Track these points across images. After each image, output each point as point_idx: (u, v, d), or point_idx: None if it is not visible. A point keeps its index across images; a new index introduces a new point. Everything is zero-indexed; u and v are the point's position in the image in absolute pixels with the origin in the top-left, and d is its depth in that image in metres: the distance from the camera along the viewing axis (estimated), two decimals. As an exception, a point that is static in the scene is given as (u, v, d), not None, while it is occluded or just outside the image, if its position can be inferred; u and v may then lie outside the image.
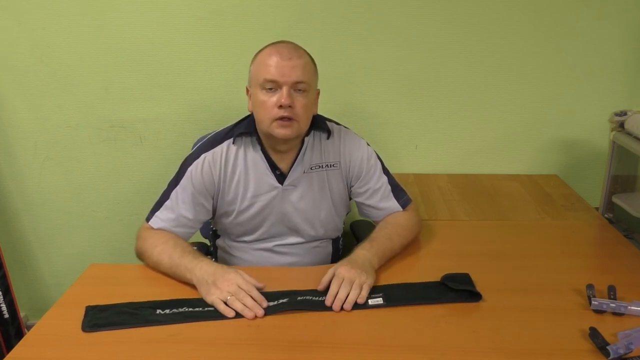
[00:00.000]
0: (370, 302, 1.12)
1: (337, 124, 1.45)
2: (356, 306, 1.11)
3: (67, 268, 2.15)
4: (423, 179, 1.93)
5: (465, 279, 1.19)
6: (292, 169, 1.36)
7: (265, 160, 1.35)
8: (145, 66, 1.88)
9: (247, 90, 1.35)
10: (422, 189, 1.84)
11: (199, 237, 1.68)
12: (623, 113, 1.61)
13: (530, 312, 1.10)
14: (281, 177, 1.36)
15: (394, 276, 1.23)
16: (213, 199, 1.38)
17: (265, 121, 1.26)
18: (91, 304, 1.11)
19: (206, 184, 1.34)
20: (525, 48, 1.85)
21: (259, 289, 1.14)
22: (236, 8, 1.81)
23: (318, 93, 1.36)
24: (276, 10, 1.81)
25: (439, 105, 1.93)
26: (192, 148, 1.46)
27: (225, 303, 1.09)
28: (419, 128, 1.96)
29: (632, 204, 1.57)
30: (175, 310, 1.09)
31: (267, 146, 1.35)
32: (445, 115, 1.94)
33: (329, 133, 1.38)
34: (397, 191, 1.43)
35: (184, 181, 1.33)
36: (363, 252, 1.24)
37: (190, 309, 1.10)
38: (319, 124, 1.37)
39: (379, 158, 1.44)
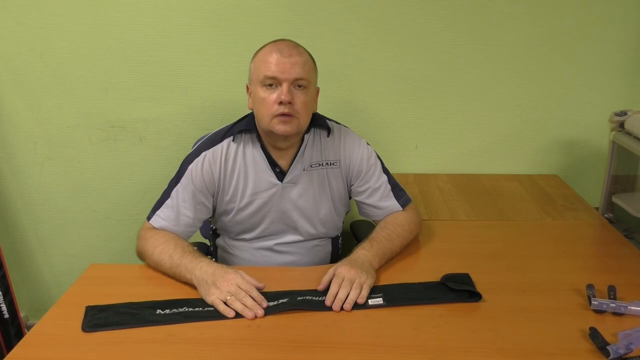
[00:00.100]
0: (370, 302, 1.12)
1: (337, 123, 1.45)
2: (356, 306, 1.11)
3: (67, 268, 2.15)
4: (423, 179, 1.93)
5: (465, 279, 1.19)
6: (291, 166, 1.36)
7: (264, 158, 1.35)
8: (145, 66, 1.88)
9: (247, 88, 1.35)
10: (422, 189, 1.84)
11: (199, 237, 1.69)
12: (623, 113, 1.61)
13: (530, 312, 1.10)
14: (281, 174, 1.37)
15: (394, 276, 1.23)
16: (213, 197, 1.38)
17: (265, 118, 1.27)
18: (91, 304, 1.11)
19: (206, 182, 1.35)
20: (525, 48, 1.86)
21: (259, 289, 1.14)
22: (236, 8, 1.81)
23: (318, 91, 1.37)
24: (276, 10, 1.81)
25: (439, 105, 1.93)
26: (192, 148, 1.46)
27: (225, 303, 1.09)
28: (419, 128, 1.96)
29: (632, 204, 1.57)
30: (175, 310, 1.09)
31: (267, 143, 1.35)
32: (445, 115, 1.94)
33: (328, 131, 1.39)
34: (397, 190, 1.43)
35: (184, 180, 1.34)
36: (363, 252, 1.24)
37: (190, 309, 1.10)
38: (318, 121, 1.38)
39: (378, 157, 1.44)
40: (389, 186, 1.42)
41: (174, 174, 1.37)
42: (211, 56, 1.87)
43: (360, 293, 1.12)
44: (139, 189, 2.03)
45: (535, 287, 1.19)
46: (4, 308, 1.88)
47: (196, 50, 1.86)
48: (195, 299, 1.13)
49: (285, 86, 1.23)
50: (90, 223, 2.09)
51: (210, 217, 1.47)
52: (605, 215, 1.68)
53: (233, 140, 1.35)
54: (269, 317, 1.08)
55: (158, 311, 1.09)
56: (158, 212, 1.34)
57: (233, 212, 1.39)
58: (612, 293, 1.13)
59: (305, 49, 1.30)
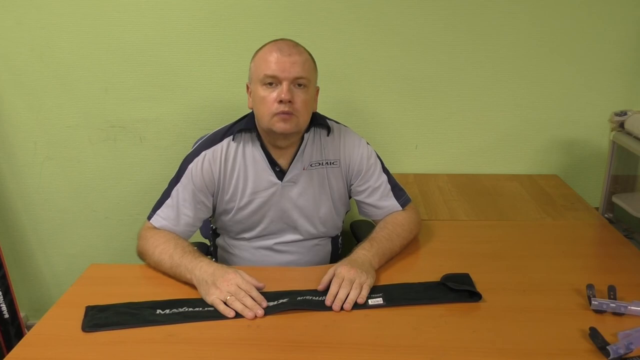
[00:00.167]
0: (370, 302, 1.12)
1: (337, 122, 1.45)
2: (356, 306, 1.11)
3: (67, 268, 2.15)
4: (423, 179, 1.93)
5: (465, 279, 1.19)
6: (291, 165, 1.36)
7: (264, 157, 1.36)
8: (145, 66, 1.88)
9: (247, 88, 1.35)
10: (422, 189, 1.84)
11: (199, 237, 1.69)
12: (623, 113, 1.61)
13: (530, 312, 1.10)
14: (280, 173, 1.37)
15: (394, 276, 1.23)
16: (213, 196, 1.38)
17: (265, 116, 1.27)
18: (91, 304, 1.11)
19: (206, 182, 1.35)
20: (525, 48, 1.85)
21: (259, 289, 1.14)
22: (236, 8, 1.81)
23: (318, 90, 1.37)
24: (276, 10, 1.81)
25: (439, 105, 1.93)
26: (192, 148, 1.46)
27: (225, 303, 1.09)
28: (419, 128, 1.96)
29: (632, 204, 1.57)
30: (175, 310, 1.09)
31: (266, 142, 1.35)
32: (445, 115, 1.94)
33: (328, 130, 1.39)
34: (397, 190, 1.43)
35: (184, 179, 1.34)
36: (363, 252, 1.24)
37: (190, 309, 1.10)
38: (318, 120, 1.38)
39: (378, 157, 1.45)
40: (388, 186, 1.42)
41: (174, 174, 1.37)
42: (211, 56, 1.87)
43: (360, 293, 1.12)
44: (139, 189, 2.03)
45: (535, 287, 1.19)
46: (4, 308, 1.88)
47: (196, 50, 1.86)
48: (195, 299, 1.13)
49: (285, 85, 1.24)
50: (90, 223, 2.09)
51: (210, 217, 1.47)
52: (605, 215, 1.68)
53: (233, 140, 1.35)
54: (269, 317, 1.08)
55: (158, 311, 1.09)
56: (158, 211, 1.34)
57: (233, 211, 1.39)
58: (612, 293, 1.13)
59: (305, 49, 1.31)
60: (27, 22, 1.83)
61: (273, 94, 1.25)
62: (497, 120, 1.94)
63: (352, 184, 1.44)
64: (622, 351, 0.95)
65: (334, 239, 1.52)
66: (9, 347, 1.87)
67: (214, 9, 1.81)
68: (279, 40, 1.30)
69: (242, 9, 1.81)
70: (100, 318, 1.07)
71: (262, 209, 1.39)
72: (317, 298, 1.13)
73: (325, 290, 1.14)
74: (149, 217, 1.35)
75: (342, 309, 1.10)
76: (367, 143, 1.44)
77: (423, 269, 1.29)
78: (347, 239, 1.66)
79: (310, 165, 1.38)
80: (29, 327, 2.08)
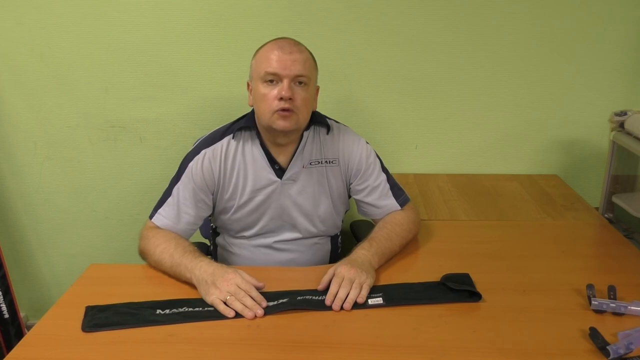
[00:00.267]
0: (370, 301, 1.12)
1: (337, 122, 1.45)
2: (356, 306, 1.11)
3: (67, 268, 2.15)
4: (423, 179, 1.93)
5: (465, 279, 1.19)
6: (291, 163, 1.37)
7: (264, 155, 1.36)
8: (145, 66, 1.88)
9: (248, 85, 1.36)
10: (422, 189, 1.84)
11: (199, 237, 1.69)
12: (623, 113, 1.61)
13: (530, 312, 1.10)
14: (280, 171, 1.37)
15: (393, 276, 1.23)
16: (213, 194, 1.39)
17: (265, 114, 1.27)
18: (91, 304, 1.11)
19: (207, 180, 1.35)
20: (525, 48, 1.85)
21: (259, 289, 1.14)
22: (236, 8, 1.81)
23: (318, 89, 1.38)
24: (276, 10, 1.81)
25: (439, 105, 1.93)
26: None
27: (225, 303, 1.09)
28: (419, 128, 1.96)
29: (632, 204, 1.57)
30: (175, 310, 1.09)
31: (266, 140, 1.36)
32: (445, 115, 1.94)
33: (328, 128, 1.40)
34: (396, 190, 1.44)
35: (184, 177, 1.34)
36: (363, 252, 1.24)
37: (190, 309, 1.10)
38: (318, 119, 1.39)
39: (377, 156, 1.45)
40: (387, 185, 1.43)
41: (175, 172, 1.37)
42: (211, 56, 1.87)
43: (360, 292, 1.12)
44: (139, 189, 2.03)
45: (535, 287, 1.19)
46: (4, 308, 1.88)
47: (196, 50, 1.86)
48: (195, 299, 1.13)
49: (285, 82, 1.24)
50: (90, 223, 2.09)
51: (210, 216, 1.47)
52: (605, 215, 1.68)
53: (233, 138, 1.36)
54: (268, 317, 1.08)
55: (158, 311, 1.09)
56: (160, 210, 1.34)
57: (232, 210, 1.39)
58: (612, 293, 1.13)
59: (306, 47, 1.31)
60: (27, 22, 1.83)
61: (274, 92, 1.25)
62: (497, 120, 1.94)
63: (351, 183, 1.44)
64: (622, 351, 0.95)
65: (334, 238, 1.52)
66: (9, 347, 1.87)
67: (214, 9, 1.81)
68: (281, 38, 1.31)
69: (242, 9, 1.81)
70: (100, 318, 1.07)
71: (262, 207, 1.39)
72: (317, 298, 1.13)
73: (325, 290, 1.14)
74: (151, 216, 1.35)
75: (342, 308, 1.10)
76: (367, 142, 1.44)
77: (423, 268, 1.29)
78: (347, 238, 1.66)
79: (310, 164, 1.39)
80: (29, 327, 2.08)
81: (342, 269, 1.16)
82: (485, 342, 1.01)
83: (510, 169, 2.00)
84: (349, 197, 1.48)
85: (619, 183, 1.69)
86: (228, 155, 1.36)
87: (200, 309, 1.10)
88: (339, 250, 1.56)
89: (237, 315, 1.08)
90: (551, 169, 2.00)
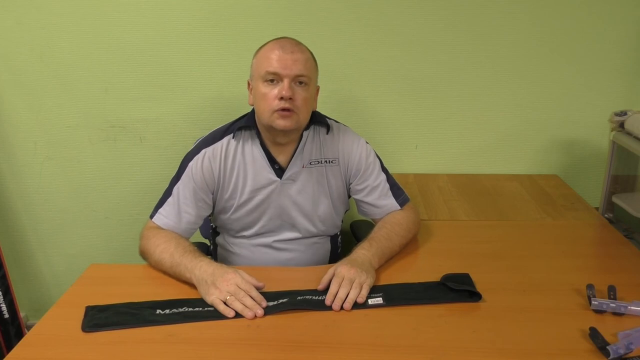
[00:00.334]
0: (370, 301, 1.12)
1: (336, 122, 1.45)
2: (356, 306, 1.11)
3: (67, 268, 2.15)
4: (423, 179, 1.93)
5: (465, 279, 1.19)
6: (290, 163, 1.37)
7: (264, 154, 1.36)
8: (145, 66, 1.88)
9: (249, 84, 1.36)
10: (422, 189, 1.84)
11: (199, 237, 1.69)
12: (623, 113, 1.61)
13: (530, 312, 1.10)
14: (280, 171, 1.37)
15: (393, 276, 1.23)
16: (213, 194, 1.39)
17: (265, 113, 1.27)
18: (91, 304, 1.11)
19: (207, 179, 1.35)
20: (525, 48, 1.85)
21: (259, 289, 1.14)
22: (236, 8, 1.81)
23: (318, 89, 1.38)
24: (276, 10, 1.81)
25: (439, 105, 1.93)
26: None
27: (225, 303, 1.09)
28: (419, 128, 1.96)
29: (632, 204, 1.57)
30: (175, 310, 1.09)
31: (266, 140, 1.36)
32: (445, 115, 1.94)
33: (328, 128, 1.40)
34: (395, 189, 1.44)
35: (184, 177, 1.35)
36: (363, 252, 1.24)
37: (190, 309, 1.10)
38: (318, 119, 1.39)
39: (377, 156, 1.45)
40: (387, 185, 1.43)
41: (175, 172, 1.37)
42: (211, 56, 1.87)
43: (360, 292, 1.12)
44: (139, 189, 2.03)
45: (535, 287, 1.19)
46: (4, 308, 1.88)
47: (196, 50, 1.86)
48: (195, 299, 1.13)
49: (286, 82, 1.24)
50: (90, 223, 2.09)
51: (210, 215, 1.47)
52: (605, 215, 1.68)
53: (233, 138, 1.36)
54: (268, 317, 1.08)
55: (158, 311, 1.09)
56: (160, 209, 1.34)
57: (232, 209, 1.40)
58: (612, 293, 1.13)
59: (306, 47, 1.32)
60: (27, 22, 1.83)
61: (274, 91, 1.25)
62: (497, 120, 1.94)
63: (351, 183, 1.44)
64: (622, 351, 0.95)
65: (333, 238, 1.52)
66: (9, 347, 1.87)
67: (214, 9, 1.81)
68: (282, 38, 1.31)
69: (242, 9, 1.81)
70: (100, 318, 1.07)
71: (261, 207, 1.39)
72: (317, 298, 1.13)
73: (325, 290, 1.14)
74: (151, 216, 1.35)
75: (342, 308, 1.10)
76: (366, 142, 1.44)
77: (423, 268, 1.29)
78: (346, 238, 1.66)
79: (310, 163, 1.39)
80: (29, 327, 2.08)
81: (342, 268, 1.16)
82: (485, 342, 1.01)
83: (510, 169, 2.00)
84: (349, 197, 1.48)
85: (619, 183, 1.69)
86: (228, 154, 1.36)
87: (200, 309, 1.10)
88: (339, 250, 1.56)
89: (237, 315, 1.08)
90: (551, 169, 2.00)
